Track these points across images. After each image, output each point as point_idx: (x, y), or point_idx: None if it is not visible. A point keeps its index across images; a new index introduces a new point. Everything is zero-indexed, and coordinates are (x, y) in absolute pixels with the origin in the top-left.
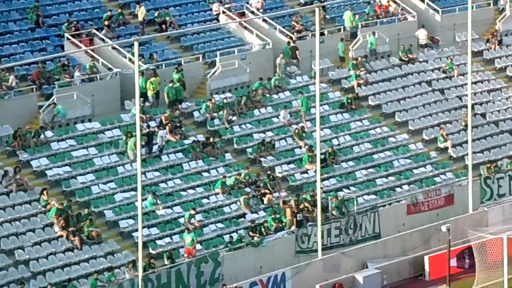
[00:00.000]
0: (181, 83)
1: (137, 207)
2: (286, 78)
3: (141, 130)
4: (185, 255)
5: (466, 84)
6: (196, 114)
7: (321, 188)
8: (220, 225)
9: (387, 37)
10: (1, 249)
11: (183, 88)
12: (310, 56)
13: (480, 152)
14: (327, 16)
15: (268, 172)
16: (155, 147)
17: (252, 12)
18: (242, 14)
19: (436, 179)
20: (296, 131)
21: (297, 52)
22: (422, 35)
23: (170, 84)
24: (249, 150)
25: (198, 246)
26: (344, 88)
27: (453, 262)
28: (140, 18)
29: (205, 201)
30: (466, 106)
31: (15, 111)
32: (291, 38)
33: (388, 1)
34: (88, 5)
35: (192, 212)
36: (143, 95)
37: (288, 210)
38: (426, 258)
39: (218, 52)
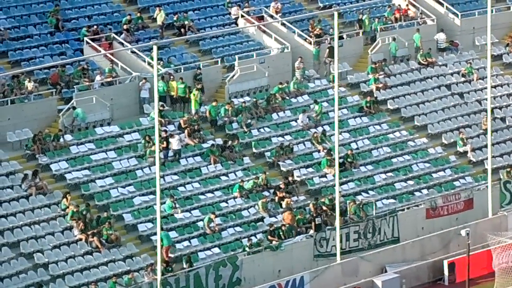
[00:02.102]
0: (199, 87)
1: (155, 210)
2: (304, 82)
3: (159, 134)
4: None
5: (486, 88)
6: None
7: (340, 192)
8: (238, 228)
9: (406, 41)
10: (20, 252)
11: (201, 92)
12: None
13: (499, 156)
14: (346, 20)
15: (287, 176)
16: (170, 152)
17: (271, 16)
18: (261, 18)
19: (455, 183)
20: (315, 135)
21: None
22: (441, 38)
23: (214, 104)
24: (268, 154)
25: (217, 250)
26: (363, 92)
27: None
28: (159, 22)
29: (223, 204)
30: (485, 110)
31: (34, 114)
32: (309, 42)
33: (407, 5)
34: (107, 9)
35: (212, 216)
36: (162, 98)
37: (287, 216)
38: (445, 263)
39: (236, 56)
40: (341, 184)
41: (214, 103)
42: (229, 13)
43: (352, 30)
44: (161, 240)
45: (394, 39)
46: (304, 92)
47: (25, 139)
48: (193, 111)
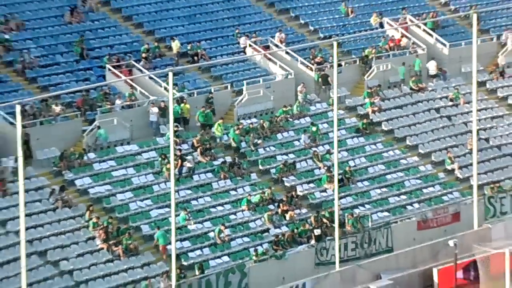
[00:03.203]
0: (211, 110)
1: (171, 222)
2: (306, 105)
3: (174, 153)
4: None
5: (471, 111)
6: (225, 137)
7: (339, 205)
8: (246, 239)
9: (399, 68)
10: (47, 260)
11: (213, 114)
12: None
13: (484, 173)
14: (344, 49)
15: (290, 191)
16: (184, 169)
17: (276, 45)
18: (267, 47)
19: (444, 198)
20: (315, 153)
21: (328, 78)
22: (432, 66)
23: (237, 132)
24: (273, 170)
25: (226, 258)
26: (360, 114)
27: (460, 274)
28: (174, 51)
29: (232, 217)
30: (471, 132)
31: (61, 135)
32: (311, 69)
33: (401, 36)
34: (127, 39)
35: (222, 228)
36: (177, 120)
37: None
38: (435, 271)
39: (245, 82)
40: (340, 198)
41: (237, 131)
42: (238, 43)
43: (350, 58)
44: (157, 239)
45: (403, 63)
46: (306, 115)
47: (53, 157)
48: (218, 139)
